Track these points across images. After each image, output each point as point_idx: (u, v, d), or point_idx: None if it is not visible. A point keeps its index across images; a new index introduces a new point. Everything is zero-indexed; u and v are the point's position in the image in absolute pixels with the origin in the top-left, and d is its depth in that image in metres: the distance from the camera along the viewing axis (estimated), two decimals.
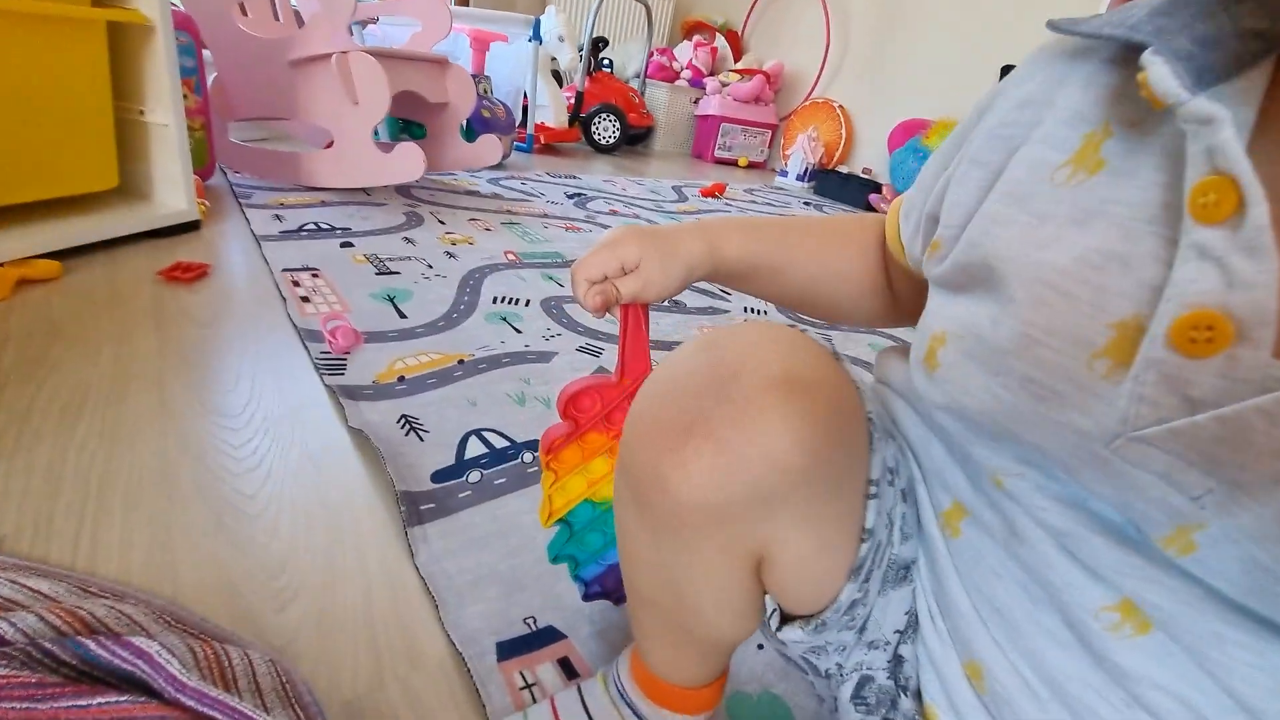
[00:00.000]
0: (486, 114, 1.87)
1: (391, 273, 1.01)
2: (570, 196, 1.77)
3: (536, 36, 2.22)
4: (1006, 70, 2.27)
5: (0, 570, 0.40)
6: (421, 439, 0.62)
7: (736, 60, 3.28)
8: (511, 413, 0.69)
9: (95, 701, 0.29)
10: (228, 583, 0.45)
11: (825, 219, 0.40)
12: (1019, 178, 0.24)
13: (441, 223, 1.32)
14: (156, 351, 0.72)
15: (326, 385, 0.69)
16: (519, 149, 2.37)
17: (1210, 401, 0.17)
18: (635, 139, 3.03)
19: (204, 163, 1.27)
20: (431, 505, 0.53)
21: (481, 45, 1.94)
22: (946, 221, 0.27)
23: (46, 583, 0.40)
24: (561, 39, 2.39)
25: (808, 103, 3.09)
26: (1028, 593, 0.25)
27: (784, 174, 2.88)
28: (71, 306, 0.78)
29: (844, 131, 2.93)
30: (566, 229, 1.43)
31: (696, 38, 3.26)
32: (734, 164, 3.21)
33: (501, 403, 0.70)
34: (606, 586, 0.43)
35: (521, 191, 1.73)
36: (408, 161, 1.29)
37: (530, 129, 2.36)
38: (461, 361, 0.77)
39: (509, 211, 1.50)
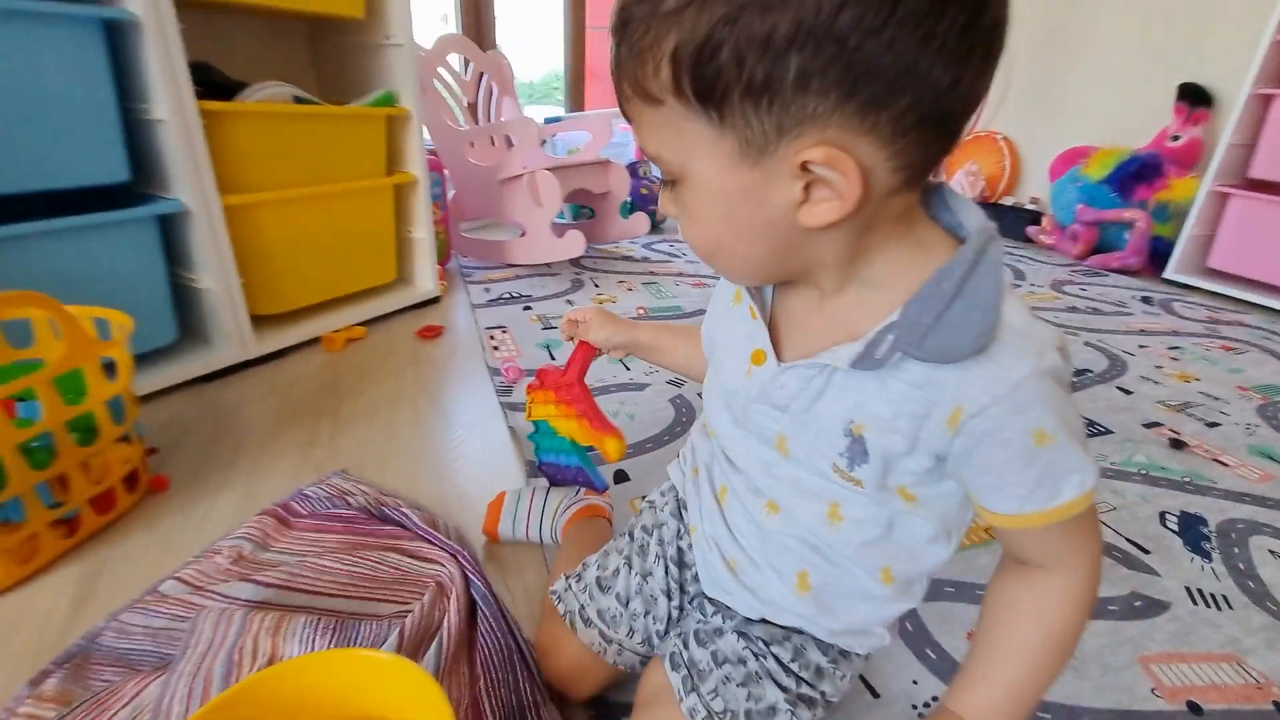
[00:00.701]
0: (644, 191, 2.31)
1: (552, 328, 1.44)
2: None
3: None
4: (1185, 88, 2.15)
5: (346, 480, 0.85)
6: None
7: None
8: None
9: (385, 527, 0.69)
10: (439, 496, 0.85)
11: (692, 328, 0.62)
12: (717, 309, 0.51)
13: (596, 286, 1.74)
14: (413, 382, 1.20)
15: (500, 402, 1.11)
16: None
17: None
18: None
19: (444, 254, 1.84)
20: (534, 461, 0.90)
21: None
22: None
23: (365, 486, 0.83)
24: None
25: (969, 137, 3.08)
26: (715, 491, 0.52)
27: None
28: (370, 355, 1.31)
29: (1008, 163, 2.88)
30: (694, 285, 1.78)
31: None
32: None
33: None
34: (547, 472, 0.80)
35: (666, 253, 2.11)
36: (573, 243, 1.75)
37: None
38: None
39: (651, 272, 1.89)
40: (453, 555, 0.69)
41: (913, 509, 0.42)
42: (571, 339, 0.70)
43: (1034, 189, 2.84)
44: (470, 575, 0.66)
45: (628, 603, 0.56)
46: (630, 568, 0.57)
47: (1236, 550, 0.82)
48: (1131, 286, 1.99)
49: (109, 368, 0.76)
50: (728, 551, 0.50)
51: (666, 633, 0.55)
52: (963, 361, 0.34)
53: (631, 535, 0.61)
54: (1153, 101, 2.29)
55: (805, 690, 0.49)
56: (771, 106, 0.30)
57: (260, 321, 1.24)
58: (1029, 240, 2.49)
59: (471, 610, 0.63)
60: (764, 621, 0.50)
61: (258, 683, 0.44)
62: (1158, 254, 2.09)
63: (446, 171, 1.86)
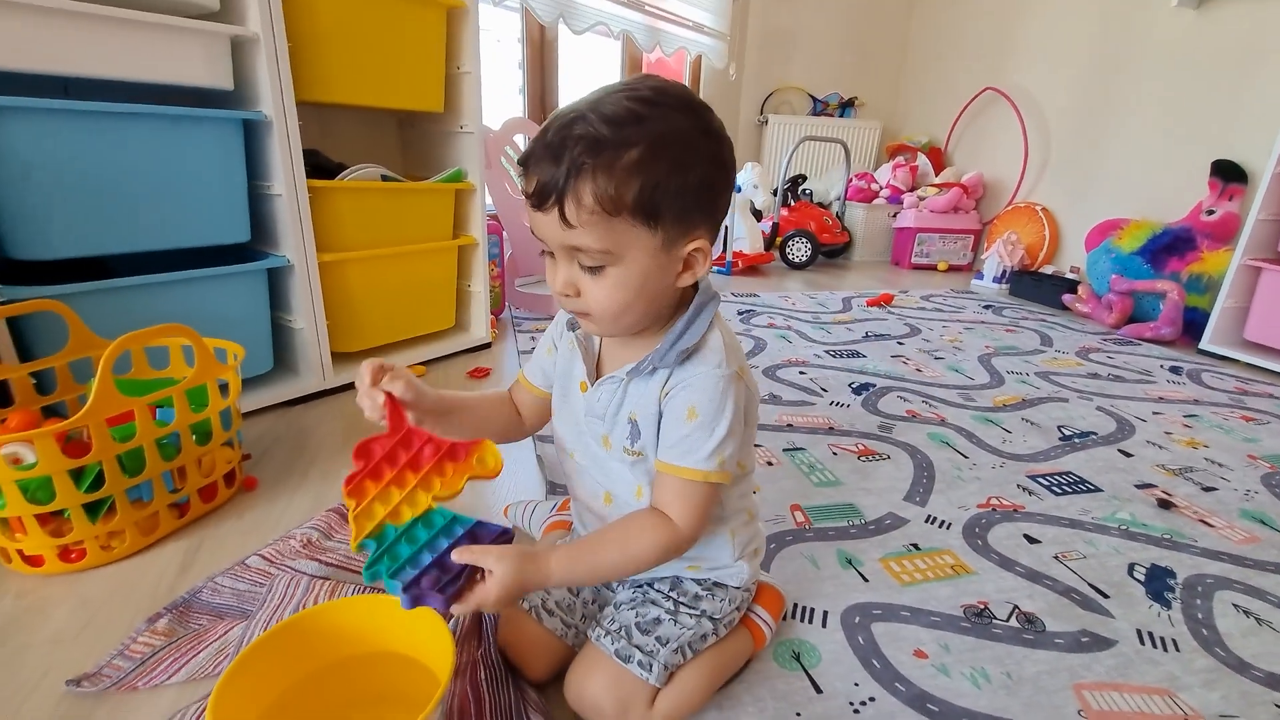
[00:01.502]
0: None
1: None
2: (740, 313, 2.25)
3: (735, 189, 2.83)
4: (1219, 165, 2.19)
5: None
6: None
7: (937, 174, 3.50)
8: None
9: None
10: (471, 506, 1.00)
11: (489, 393, 0.76)
12: (540, 361, 0.71)
13: None
14: None
15: (535, 440, 1.26)
16: (720, 272, 2.95)
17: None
18: (833, 253, 3.41)
19: (498, 305, 2.06)
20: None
21: None
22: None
23: None
24: (756, 186, 2.98)
25: (1010, 207, 3.15)
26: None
27: (980, 277, 2.98)
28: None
29: (1047, 232, 2.93)
30: None
31: (897, 159, 3.58)
32: (932, 268, 3.36)
33: None
34: (424, 586, 0.51)
35: None
36: None
37: (729, 255, 2.93)
38: None
39: None
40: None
41: None
42: (375, 385, 0.58)
43: (1073, 258, 2.88)
44: None
45: (578, 593, 0.71)
46: None
47: (1199, 601, 0.86)
48: (1163, 356, 2.00)
49: (222, 388, 0.96)
50: None
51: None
52: (680, 365, 0.58)
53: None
54: (1186, 176, 2.34)
55: (684, 609, 0.66)
56: (682, 222, 0.53)
57: (338, 357, 1.45)
58: (1065, 308, 2.51)
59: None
60: (649, 582, 0.69)
61: (303, 618, 0.60)
62: (1195, 325, 2.09)
63: (505, 233, 2.10)
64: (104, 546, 0.84)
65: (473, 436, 0.60)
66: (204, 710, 0.62)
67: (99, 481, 0.80)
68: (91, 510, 0.82)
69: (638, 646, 0.61)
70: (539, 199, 0.51)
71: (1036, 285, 2.69)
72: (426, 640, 0.58)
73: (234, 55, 1.17)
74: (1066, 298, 2.50)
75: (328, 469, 1.11)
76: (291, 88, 1.20)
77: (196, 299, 1.18)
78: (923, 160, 3.53)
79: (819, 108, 3.69)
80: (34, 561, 0.82)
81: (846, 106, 3.72)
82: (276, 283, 1.33)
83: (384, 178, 1.45)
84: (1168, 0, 2.42)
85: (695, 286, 0.60)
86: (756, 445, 1.24)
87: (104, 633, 0.73)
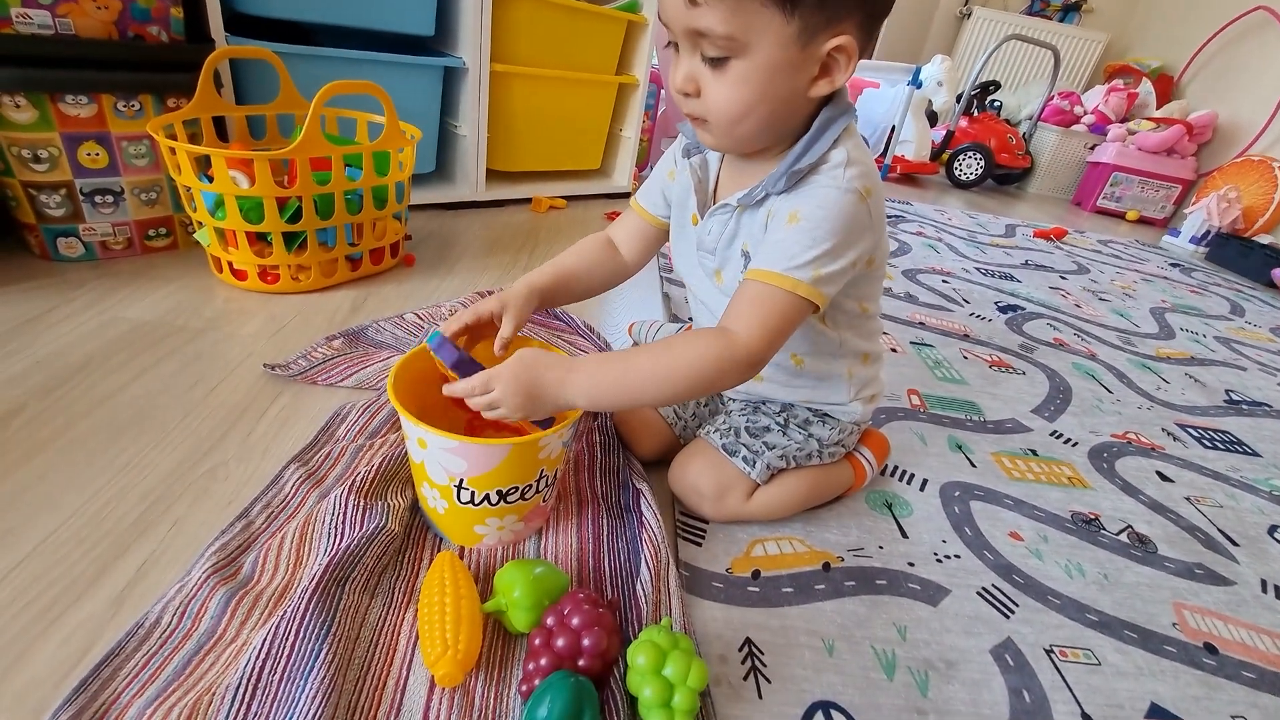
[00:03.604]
0: None
1: None
2: (889, 217, 2.11)
3: (915, 82, 2.56)
4: None
5: None
6: (760, 690, 0.50)
7: (1159, 107, 3.00)
8: (875, 683, 0.52)
9: (553, 321, 0.91)
10: (597, 314, 1.06)
11: (579, 246, 0.70)
12: (659, 182, 0.67)
13: None
14: None
15: (662, 279, 1.29)
16: None
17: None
18: (1007, 179, 3.07)
19: (642, 159, 2.04)
20: None
21: (854, 90, 2.39)
22: None
23: None
24: (940, 84, 2.68)
25: (1240, 159, 2.67)
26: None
27: (1174, 233, 2.60)
28: (564, 221, 1.55)
29: (1278, 195, 2.48)
30: None
31: (1114, 82, 3.08)
32: (1119, 216, 2.97)
33: (864, 658, 0.54)
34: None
35: None
36: None
37: (888, 159, 2.71)
38: (828, 566, 0.63)
39: None
40: (598, 347, 0.90)
41: None
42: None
43: None
44: None
45: None
46: None
47: None
48: None
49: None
50: None
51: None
52: (792, 189, 0.52)
53: None
54: None
55: (794, 427, 0.67)
56: (825, 9, 0.44)
57: (491, 175, 1.52)
58: (1273, 285, 2.16)
59: None
60: (764, 402, 0.70)
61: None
62: None
63: (665, 88, 2.04)
64: (294, 277, 0.97)
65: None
66: (369, 403, 0.73)
67: (297, 216, 0.91)
68: (287, 242, 0.94)
69: (744, 445, 0.65)
70: None
71: (1244, 254, 2.32)
72: None
73: None
74: (1278, 273, 2.15)
75: (472, 265, 1.20)
76: None
77: (381, 83, 1.25)
78: (1146, 88, 3.02)
79: (1037, 6, 3.20)
80: (240, 275, 0.96)
81: (1071, 9, 3.20)
82: (449, 86, 1.38)
83: None
84: None
85: (832, 99, 0.51)
86: (882, 316, 1.20)
87: (291, 340, 0.86)
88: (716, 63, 0.47)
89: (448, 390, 0.54)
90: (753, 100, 0.48)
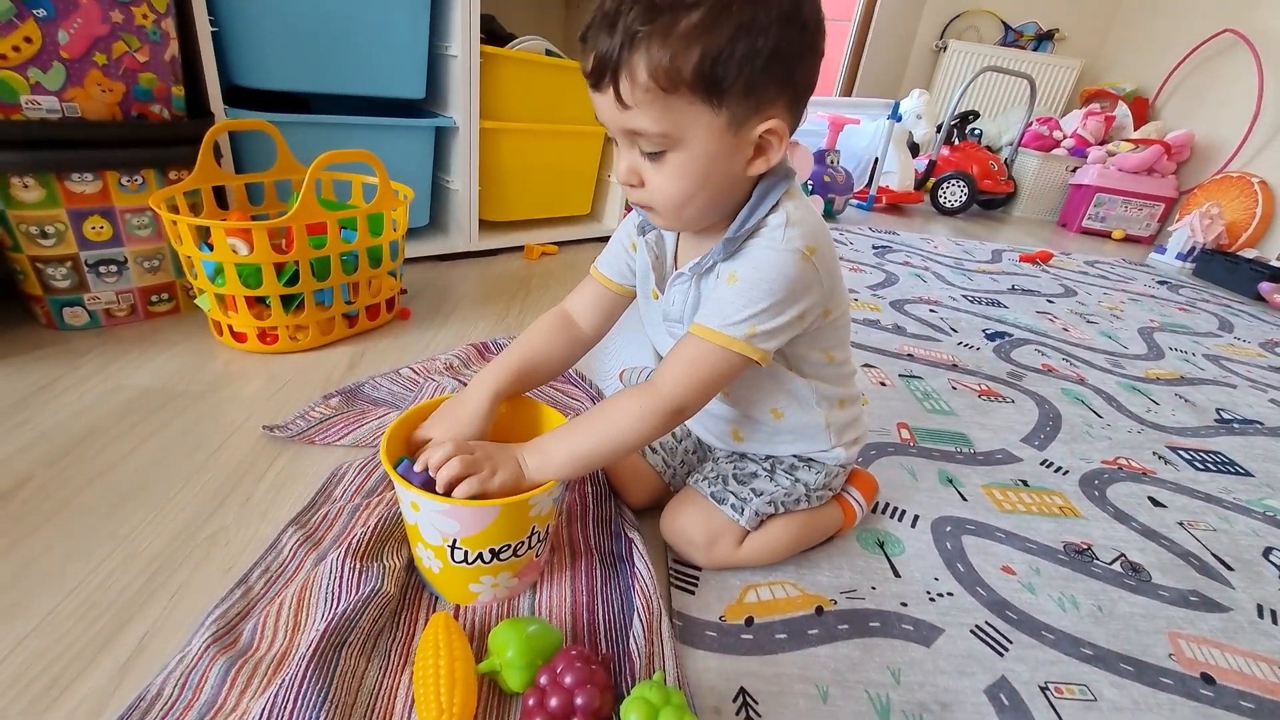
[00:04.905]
0: (827, 179, 2.39)
1: None
2: (875, 248, 2.15)
3: (895, 116, 2.64)
4: None
5: None
6: None
7: (1137, 129, 3.07)
8: None
9: None
10: (585, 365, 1.08)
11: (535, 330, 0.72)
12: (620, 251, 0.69)
13: None
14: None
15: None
16: (859, 206, 2.81)
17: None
18: (991, 204, 3.13)
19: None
20: None
21: (836, 127, 2.46)
22: None
23: None
24: (919, 116, 2.75)
25: (1219, 175, 2.72)
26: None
27: (1161, 250, 2.64)
28: (556, 267, 1.59)
29: (1260, 210, 2.52)
30: (852, 270, 1.85)
31: (1091, 106, 3.16)
32: (1105, 235, 3.01)
33: (859, 704, 0.54)
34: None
35: (837, 240, 2.19)
36: None
37: (873, 190, 2.77)
38: (820, 610, 0.63)
39: None
40: (589, 396, 0.91)
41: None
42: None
43: None
44: None
45: (681, 439, 0.76)
46: None
47: None
48: None
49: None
50: (693, 427, 0.75)
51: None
52: (732, 257, 0.54)
53: None
54: None
55: (780, 472, 0.69)
56: (751, 98, 0.46)
57: (483, 224, 1.56)
58: (1260, 298, 2.19)
59: None
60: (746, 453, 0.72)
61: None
62: None
63: None
64: (292, 337, 1.00)
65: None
66: (365, 462, 0.75)
67: (294, 279, 0.94)
68: (285, 303, 0.97)
69: (732, 492, 0.66)
70: (595, 76, 0.47)
71: (1230, 269, 2.35)
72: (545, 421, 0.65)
73: None
74: (1264, 286, 2.17)
75: (467, 315, 1.23)
76: None
77: (375, 145, 1.29)
78: (1122, 111, 3.10)
79: (1011, 37, 3.30)
80: (239, 338, 0.99)
81: (1044, 39, 3.30)
82: (441, 143, 1.43)
83: (548, 52, 1.49)
84: None
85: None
86: (868, 366, 1.22)
87: (289, 400, 0.88)
88: (655, 156, 0.49)
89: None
90: (693, 188, 0.50)
